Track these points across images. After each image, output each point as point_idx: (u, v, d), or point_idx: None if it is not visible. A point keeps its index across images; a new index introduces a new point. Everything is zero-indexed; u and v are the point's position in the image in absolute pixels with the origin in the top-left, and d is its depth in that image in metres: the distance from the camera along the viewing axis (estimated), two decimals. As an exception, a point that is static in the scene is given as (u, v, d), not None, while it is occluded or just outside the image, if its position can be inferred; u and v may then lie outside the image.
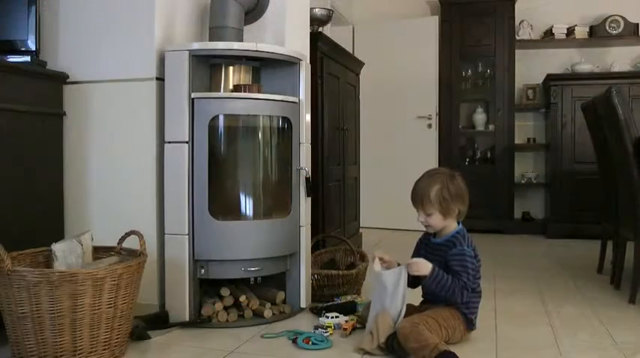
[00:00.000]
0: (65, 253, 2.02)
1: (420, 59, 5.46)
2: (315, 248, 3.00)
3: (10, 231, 2.12)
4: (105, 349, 1.90)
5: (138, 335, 2.13)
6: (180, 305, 2.33)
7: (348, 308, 2.44)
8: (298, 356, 2.03)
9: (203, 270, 2.36)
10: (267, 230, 2.43)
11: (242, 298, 2.40)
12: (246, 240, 2.37)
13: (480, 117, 5.46)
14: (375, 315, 2.07)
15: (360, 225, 4.53)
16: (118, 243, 2.17)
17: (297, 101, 2.54)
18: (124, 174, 2.45)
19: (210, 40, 2.52)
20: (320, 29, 3.67)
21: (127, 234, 2.13)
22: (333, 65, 3.68)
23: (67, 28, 2.51)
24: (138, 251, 2.07)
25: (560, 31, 5.33)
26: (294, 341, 2.13)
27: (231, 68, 2.56)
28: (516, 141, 5.37)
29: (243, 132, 2.56)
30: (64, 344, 1.81)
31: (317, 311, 2.47)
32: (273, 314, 2.42)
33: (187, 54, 2.32)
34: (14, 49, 2.36)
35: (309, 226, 2.67)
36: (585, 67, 5.19)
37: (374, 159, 5.44)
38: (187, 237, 2.33)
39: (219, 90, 2.53)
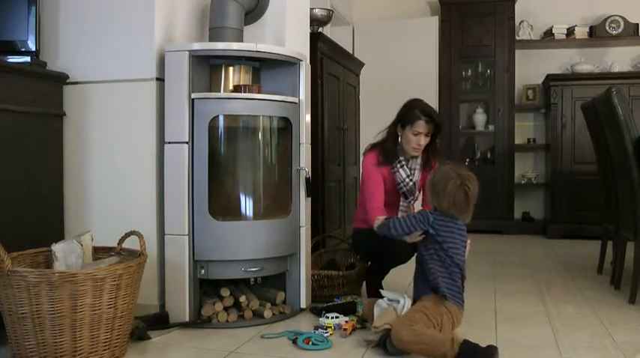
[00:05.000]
0: (65, 253, 2.02)
1: (420, 59, 5.46)
2: (315, 248, 3.00)
3: (10, 231, 2.12)
4: (105, 349, 1.90)
5: (138, 335, 2.13)
6: (180, 305, 2.33)
7: (348, 309, 2.44)
8: (298, 356, 2.03)
9: (203, 271, 2.36)
10: (267, 230, 2.43)
11: (242, 298, 2.40)
12: (246, 240, 2.37)
13: (480, 117, 5.46)
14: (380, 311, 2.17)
15: (360, 225, 4.52)
16: (118, 244, 2.17)
17: (297, 101, 2.54)
18: (123, 174, 2.45)
19: (210, 40, 2.52)
20: (320, 29, 3.67)
21: (127, 235, 2.13)
22: (333, 65, 3.68)
23: (67, 28, 2.51)
24: (138, 251, 2.07)
25: (560, 31, 5.33)
26: (294, 341, 2.13)
27: (231, 68, 2.56)
28: (516, 142, 5.37)
29: (243, 133, 2.56)
30: (64, 344, 1.81)
31: (317, 312, 2.47)
32: (273, 314, 2.42)
33: (187, 54, 2.32)
34: (14, 49, 2.35)
35: (309, 226, 2.67)
36: (585, 68, 5.18)
37: (374, 160, 5.43)
38: (187, 237, 2.33)
39: (219, 91, 2.52)
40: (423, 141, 2.63)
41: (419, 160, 2.76)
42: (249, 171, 2.59)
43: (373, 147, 2.78)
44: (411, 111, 2.66)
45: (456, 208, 2.16)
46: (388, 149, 2.72)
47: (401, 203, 2.74)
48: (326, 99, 3.52)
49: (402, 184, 2.70)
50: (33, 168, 2.31)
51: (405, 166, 2.71)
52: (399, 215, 2.69)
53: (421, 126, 2.61)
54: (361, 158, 4.48)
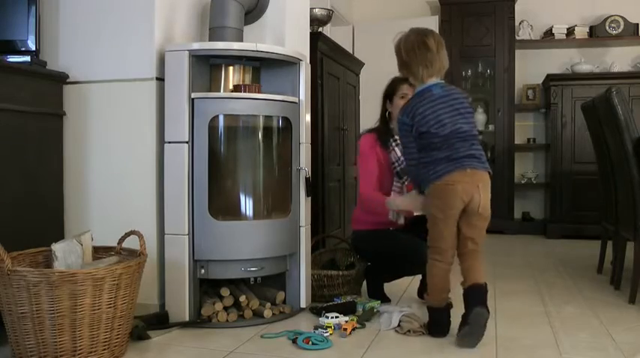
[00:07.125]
0: (65, 253, 2.02)
1: (420, 59, 5.45)
2: (315, 248, 3.00)
3: (10, 231, 2.12)
4: (105, 349, 1.90)
5: (138, 335, 2.13)
6: (180, 305, 2.33)
7: (348, 309, 2.44)
8: (298, 356, 2.03)
9: (203, 270, 2.36)
10: (267, 230, 2.43)
11: (242, 298, 2.39)
12: (246, 240, 2.37)
13: (479, 117, 5.46)
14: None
15: (360, 225, 4.51)
16: (118, 243, 2.17)
17: (297, 101, 2.54)
18: (124, 174, 2.45)
19: (210, 40, 2.52)
20: (320, 29, 3.67)
21: (127, 234, 2.13)
22: (333, 65, 3.68)
23: (67, 28, 2.51)
24: (138, 251, 2.07)
25: (560, 31, 5.33)
26: (294, 341, 2.13)
27: (231, 68, 2.56)
28: (516, 142, 5.37)
29: (243, 132, 2.56)
30: (64, 344, 1.81)
31: (317, 312, 2.47)
32: (273, 314, 2.42)
33: (187, 54, 2.32)
34: (14, 49, 2.35)
35: (309, 226, 2.67)
36: (585, 67, 5.19)
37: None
38: (187, 237, 2.32)
39: (219, 91, 2.53)
40: None
41: None
42: (249, 171, 2.59)
43: (368, 131, 2.85)
44: (393, 81, 2.79)
45: (426, 62, 2.17)
46: (382, 128, 2.79)
47: (395, 183, 2.73)
48: (326, 99, 3.52)
49: (396, 163, 2.72)
50: (33, 168, 2.31)
51: (400, 145, 2.70)
52: (392, 195, 2.67)
53: (406, 88, 2.69)
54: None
